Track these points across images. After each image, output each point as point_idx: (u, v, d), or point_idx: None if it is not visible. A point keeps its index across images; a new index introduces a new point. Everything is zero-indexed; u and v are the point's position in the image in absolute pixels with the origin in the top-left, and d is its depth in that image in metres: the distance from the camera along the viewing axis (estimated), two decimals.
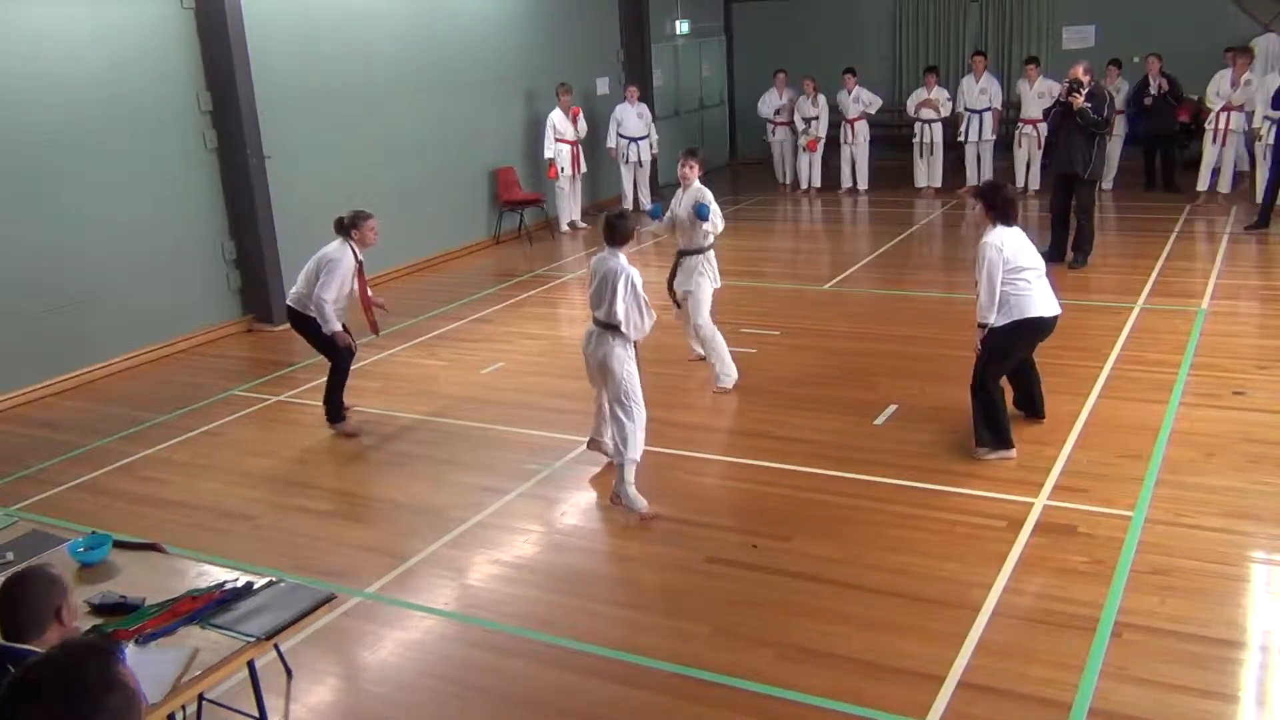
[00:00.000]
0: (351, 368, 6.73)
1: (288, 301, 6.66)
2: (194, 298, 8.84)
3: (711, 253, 6.97)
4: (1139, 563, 4.58)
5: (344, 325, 6.50)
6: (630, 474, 5.30)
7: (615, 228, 5.40)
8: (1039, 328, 5.62)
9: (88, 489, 6.09)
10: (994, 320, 5.51)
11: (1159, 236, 10.58)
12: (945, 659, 3.98)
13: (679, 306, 7.14)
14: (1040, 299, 5.54)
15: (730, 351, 7.00)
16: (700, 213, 6.73)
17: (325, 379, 6.68)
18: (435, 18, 11.16)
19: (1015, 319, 5.50)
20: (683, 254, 6.97)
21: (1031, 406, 6.08)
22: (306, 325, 6.53)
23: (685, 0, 15.92)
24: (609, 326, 5.29)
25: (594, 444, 5.99)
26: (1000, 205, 5.53)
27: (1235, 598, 4.35)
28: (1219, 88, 11.78)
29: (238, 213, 9.04)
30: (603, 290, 5.27)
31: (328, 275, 6.33)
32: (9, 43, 7.37)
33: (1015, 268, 5.46)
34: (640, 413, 5.32)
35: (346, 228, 6.46)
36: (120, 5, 8.09)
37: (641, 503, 5.29)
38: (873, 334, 8.10)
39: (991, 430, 5.63)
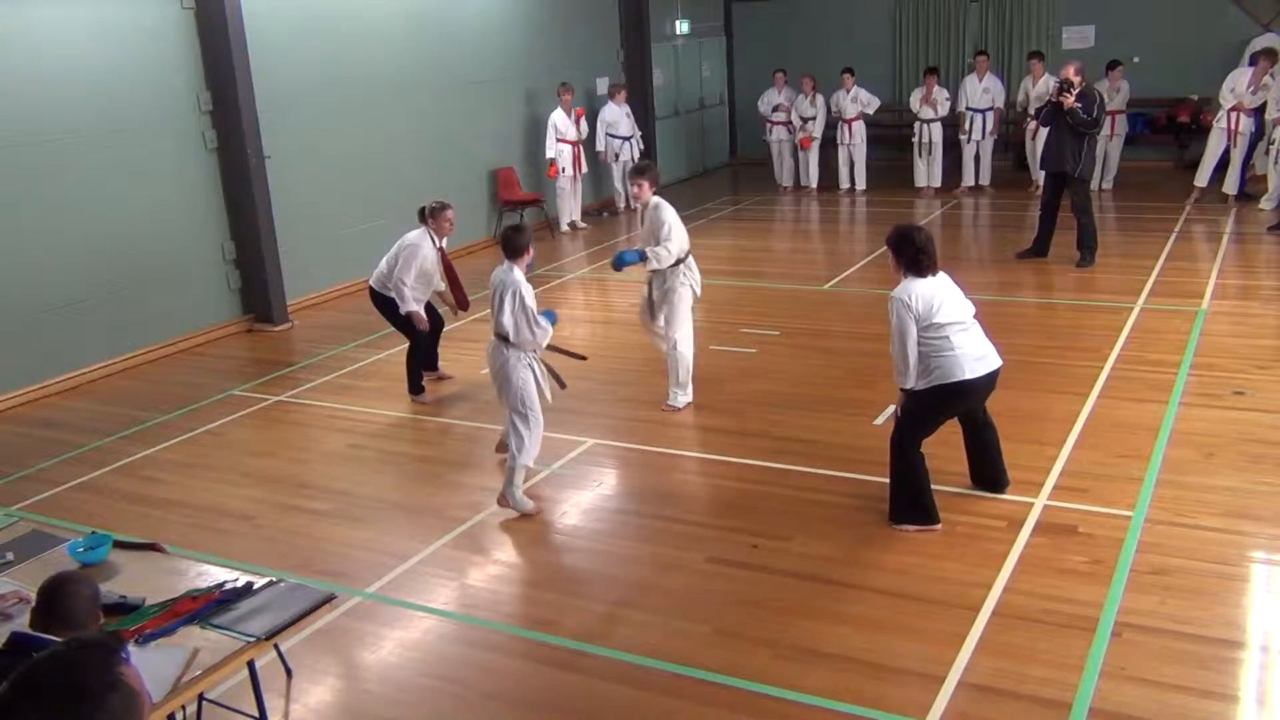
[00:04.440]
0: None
1: (370, 283, 7.09)
2: (194, 298, 8.84)
3: (690, 259, 6.67)
4: (1139, 563, 4.58)
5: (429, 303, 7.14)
6: (520, 478, 5.40)
7: (510, 241, 5.45)
8: (965, 392, 4.83)
9: (88, 489, 6.09)
10: (912, 384, 4.83)
11: (1159, 236, 10.59)
12: (945, 659, 3.98)
13: (653, 319, 6.86)
14: (967, 359, 4.76)
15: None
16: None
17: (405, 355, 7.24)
18: (435, 18, 11.16)
19: (938, 384, 4.78)
20: (655, 271, 6.66)
21: (989, 480, 5.26)
22: (385, 305, 7.01)
23: (685, 0, 15.92)
24: (503, 338, 5.35)
25: (502, 446, 5.96)
26: (909, 254, 4.80)
27: (1235, 598, 4.35)
28: (1234, 86, 11.69)
29: (238, 213, 9.03)
30: (494, 303, 5.35)
31: (406, 260, 6.81)
32: (9, 43, 7.37)
33: (933, 324, 4.72)
34: (537, 421, 5.41)
35: (425, 217, 6.90)
36: (120, 5, 8.09)
37: (528, 504, 5.41)
38: (873, 334, 8.07)
39: (910, 505, 4.97)
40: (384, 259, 7.00)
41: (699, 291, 6.79)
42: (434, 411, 7.00)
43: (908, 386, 4.86)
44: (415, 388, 7.17)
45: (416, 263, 6.83)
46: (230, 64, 8.63)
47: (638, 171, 6.77)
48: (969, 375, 4.78)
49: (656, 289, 6.74)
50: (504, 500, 5.41)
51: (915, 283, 4.81)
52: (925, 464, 5.00)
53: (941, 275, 4.92)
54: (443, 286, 7.22)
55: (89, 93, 7.88)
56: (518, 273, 5.36)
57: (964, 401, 4.95)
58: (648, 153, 14.20)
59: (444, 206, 6.91)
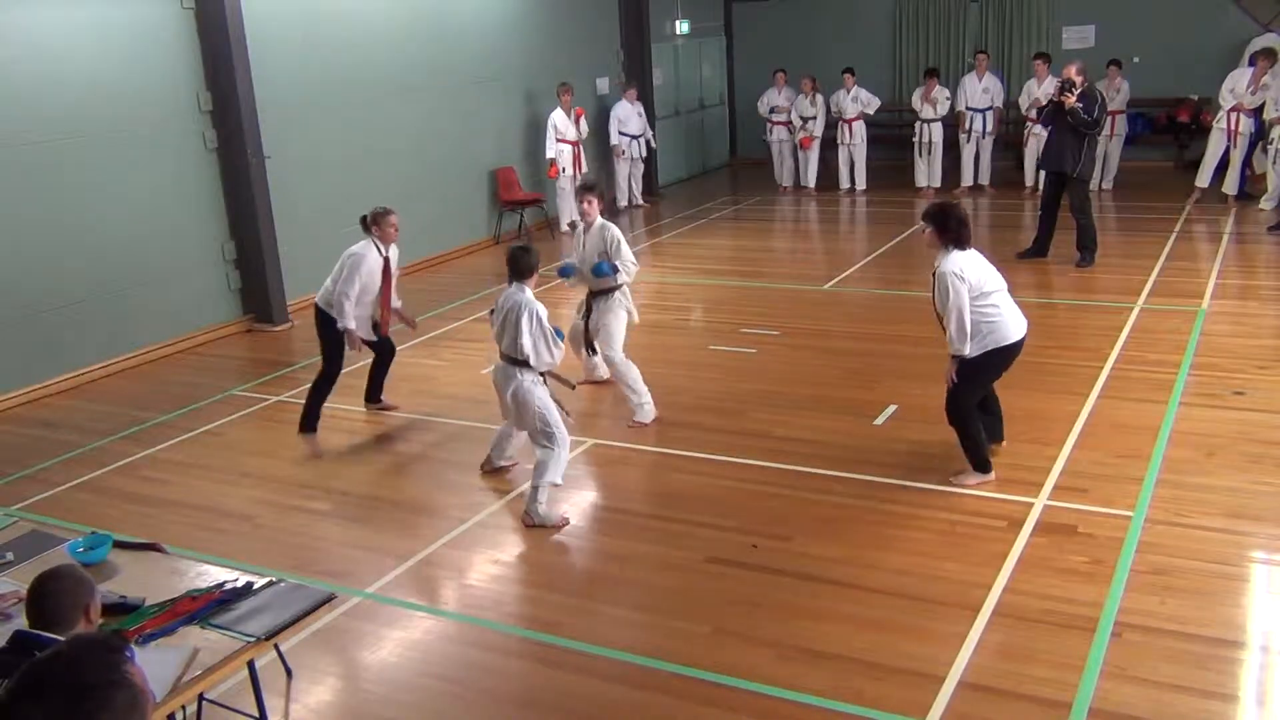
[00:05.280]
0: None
1: (315, 300, 6.60)
2: (194, 298, 8.84)
3: (626, 287, 6.68)
4: (1139, 563, 4.58)
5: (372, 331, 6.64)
6: (545, 495, 5.26)
7: (519, 261, 5.32)
8: (1012, 353, 5.29)
9: (88, 489, 6.09)
10: (969, 352, 5.16)
11: (1159, 236, 10.59)
12: (945, 659, 3.98)
13: (591, 353, 6.86)
14: (1012, 322, 5.22)
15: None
16: (599, 270, 6.50)
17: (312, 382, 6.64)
18: (435, 18, 11.16)
19: (990, 348, 5.19)
20: (596, 295, 6.65)
21: (991, 431, 5.65)
22: (326, 325, 6.49)
23: (685, 0, 15.93)
24: (515, 361, 5.25)
25: (489, 461, 5.95)
26: (953, 229, 5.13)
27: (1235, 598, 4.35)
28: (1234, 86, 11.70)
29: (238, 213, 9.04)
30: (506, 325, 5.24)
31: (350, 272, 6.33)
32: (9, 43, 7.37)
33: (981, 293, 5.12)
34: (564, 439, 5.29)
35: (368, 225, 6.48)
36: (120, 5, 8.09)
37: (555, 516, 5.28)
38: (873, 334, 8.09)
39: (976, 458, 5.40)
40: (332, 274, 6.49)
41: (635, 319, 6.76)
42: (435, 412, 6.99)
43: (965, 354, 5.15)
44: (309, 424, 6.58)
45: (361, 274, 6.34)
46: (230, 64, 8.63)
47: (589, 188, 6.69)
48: (1017, 336, 5.22)
49: (596, 312, 6.67)
50: (529, 519, 5.26)
51: (959, 255, 5.13)
52: (979, 420, 5.42)
53: (974, 250, 5.24)
54: (397, 304, 6.74)
55: (89, 93, 7.88)
56: (529, 293, 5.28)
57: (1010, 360, 5.32)
58: (648, 152, 14.21)
59: (387, 212, 6.46)
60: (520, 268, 5.32)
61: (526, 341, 5.17)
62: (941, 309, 5.17)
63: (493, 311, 5.50)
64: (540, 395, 5.29)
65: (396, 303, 6.76)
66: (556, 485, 5.34)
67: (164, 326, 8.58)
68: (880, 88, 14.73)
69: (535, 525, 5.25)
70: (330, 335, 6.48)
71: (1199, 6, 13.84)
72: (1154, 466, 5.47)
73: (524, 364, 5.25)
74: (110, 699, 1.67)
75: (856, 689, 3.85)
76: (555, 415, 5.31)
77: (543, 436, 5.27)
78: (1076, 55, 11.88)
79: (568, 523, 5.31)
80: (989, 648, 4.05)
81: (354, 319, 6.39)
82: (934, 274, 5.21)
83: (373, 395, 7.04)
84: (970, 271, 5.09)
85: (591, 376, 7.17)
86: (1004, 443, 5.70)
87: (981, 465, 5.40)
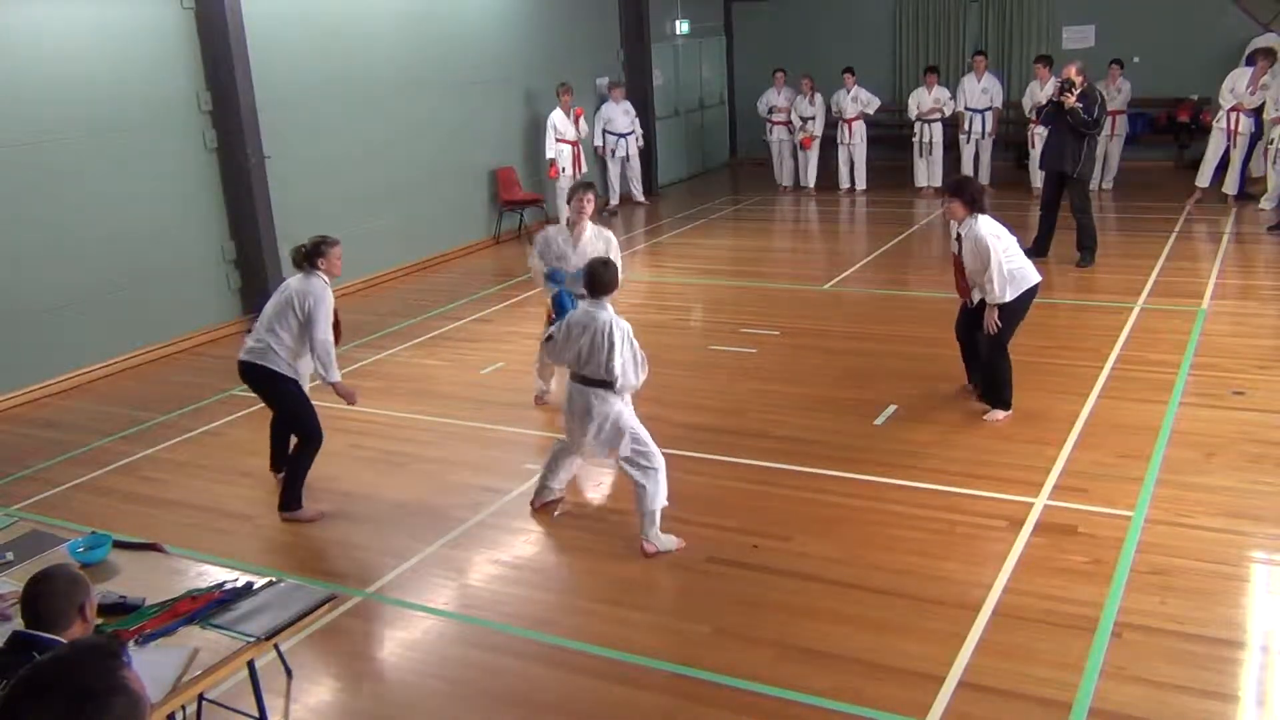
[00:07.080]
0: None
1: (243, 356, 5.44)
2: (194, 298, 8.84)
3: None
4: (1139, 563, 4.58)
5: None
6: (659, 518, 4.95)
7: (600, 277, 4.88)
8: (1035, 292, 6.17)
9: (88, 489, 6.09)
10: (1007, 297, 5.95)
11: (1159, 236, 10.59)
12: (945, 659, 3.98)
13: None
14: (1028, 266, 6.13)
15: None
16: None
17: (292, 452, 5.59)
18: (435, 18, 11.17)
19: (1022, 290, 6.05)
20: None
21: (974, 372, 6.65)
22: (271, 384, 5.42)
23: (685, 0, 15.93)
24: (598, 383, 4.88)
25: (544, 493, 5.44)
26: (977, 197, 6.07)
27: (1235, 598, 4.35)
28: (1234, 86, 11.71)
29: (238, 213, 9.03)
30: (596, 346, 4.81)
31: (315, 312, 5.33)
32: (9, 43, 7.36)
33: (1006, 246, 5.99)
34: (660, 459, 4.95)
35: (311, 257, 5.46)
36: (120, 5, 8.09)
37: (672, 541, 4.98)
38: (873, 334, 8.09)
39: (1008, 392, 6.17)
40: (268, 322, 5.42)
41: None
42: (433, 412, 6.99)
43: (1005, 300, 5.95)
44: (295, 500, 5.50)
45: (329, 314, 5.40)
46: (230, 64, 8.62)
47: (588, 185, 6.45)
48: (1038, 278, 6.15)
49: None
50: (650, 546, 4.94)
51: (984, 219, 6.01)
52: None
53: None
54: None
55: (89, 93, 7.88)
56: (612, 309, 4.88)
57: (1032, 300, 6.17)
58: (648, 152, 14.22)
59: (332, 242, 5.51)
60: (604, 282, 4.88)
61: (617, 364, 4.80)
62: (981, 266, 5.92)
63: (550, 338, 5.08)
64: (631, 416, 4.97)
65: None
66: (664, 506, 4.98)
67: (164, 326, 8.58)
68: (880, 88, 14.73)
69: (657, 551, 4.94)
70: (285, 393, 5.46)
71: (1199, 6, 13.84)
72: (1154, 466, 5.47)
73: (608, 386, 4.88)
74: (110, 704, 1.68)
75: (856, 689, 3.85)
76: (647, 434, 4.98)
77: (639, 458, 4.91)
78: (1076, 55, 11.89)
79: (684, 545, 5.00)
80: (989, 648, 4.05)
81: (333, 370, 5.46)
82: (958, 238, 6.09)
83: (279, 464, 5.87)
84: (1000, 229, 5.96)
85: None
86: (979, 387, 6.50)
87: (1009, 403, 6.18)
